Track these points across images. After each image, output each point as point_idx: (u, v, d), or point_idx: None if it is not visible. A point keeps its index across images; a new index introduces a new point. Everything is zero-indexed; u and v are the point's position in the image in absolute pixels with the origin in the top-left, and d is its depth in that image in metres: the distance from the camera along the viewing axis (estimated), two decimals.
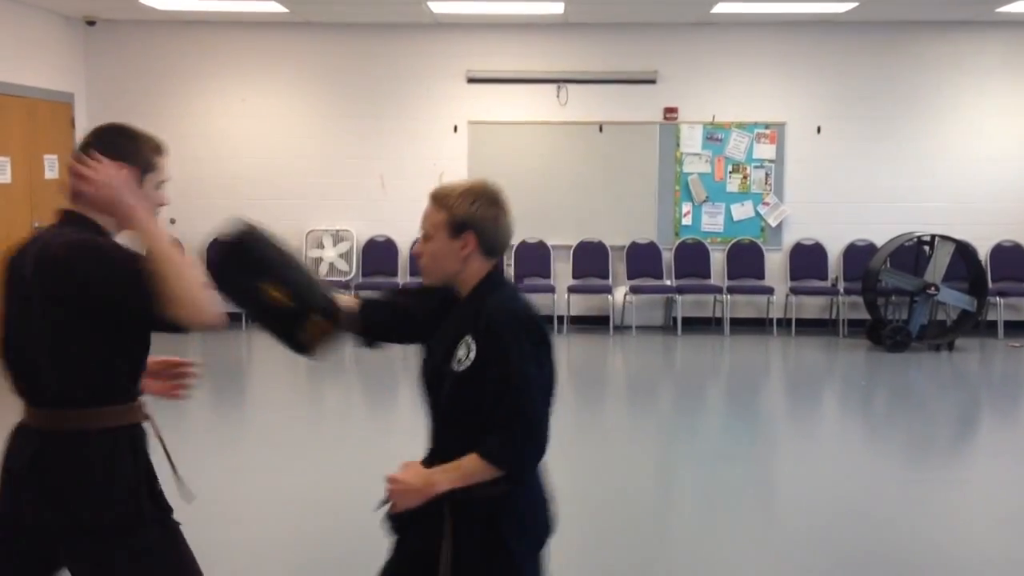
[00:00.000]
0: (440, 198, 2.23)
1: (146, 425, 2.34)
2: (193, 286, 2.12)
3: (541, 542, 2.29)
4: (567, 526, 4.51)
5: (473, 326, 2.17)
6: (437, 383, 2.23)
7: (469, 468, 2.12)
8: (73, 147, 9.51)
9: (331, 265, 9.67)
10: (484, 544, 2.18)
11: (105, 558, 2.20)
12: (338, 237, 9.70)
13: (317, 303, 2.32)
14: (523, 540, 2.22)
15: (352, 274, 9.66)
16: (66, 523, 2.16)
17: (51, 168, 9.07)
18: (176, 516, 2.34)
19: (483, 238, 2.21)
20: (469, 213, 2.20)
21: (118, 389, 2.24)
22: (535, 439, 2.14)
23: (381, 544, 2.35)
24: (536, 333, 2.18)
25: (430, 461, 2.24)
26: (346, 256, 9.66)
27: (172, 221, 9.74)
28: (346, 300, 2.44)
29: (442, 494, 2.15)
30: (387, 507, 2.23)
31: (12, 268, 2.23)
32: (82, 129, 9.59)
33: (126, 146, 2.26)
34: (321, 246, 9.69)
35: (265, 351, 9.04)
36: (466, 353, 2.16)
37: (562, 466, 5.51)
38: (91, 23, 9.55)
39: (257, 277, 2.29)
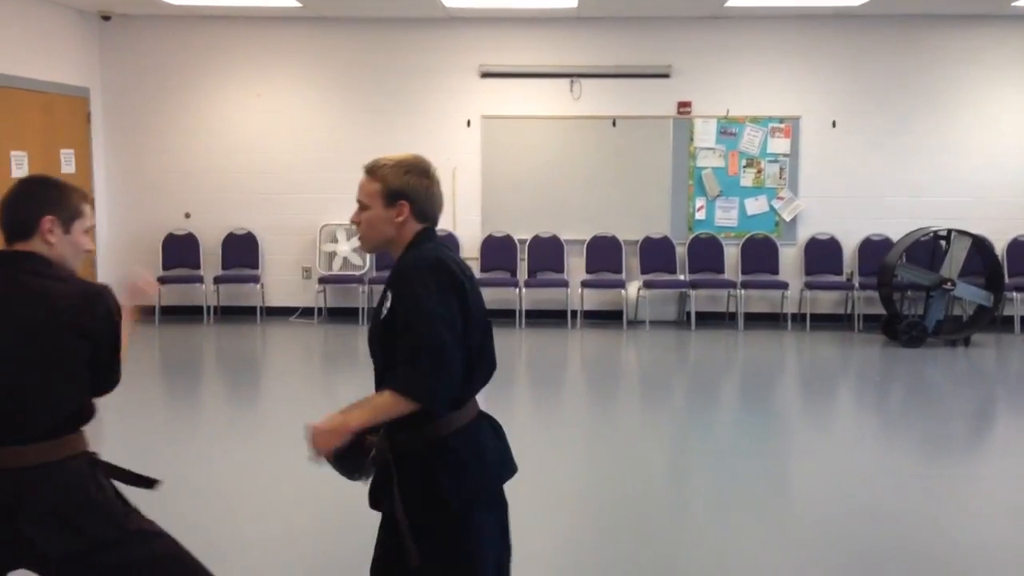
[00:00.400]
0: (374, 170, 2.38)
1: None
2: None
3: (484, 492, 2.33)
4: (579, 520, 4.52)
5: (392, 278, 2.33)
6: (373, 336, 2.37)
7: (380, 402, 2.21)
8: (89, 142, 9.49)
9: (345, 259, 9.68)
10: (423, 493, 2.25)
11: (114, 564, 2.32)
12: (352, 231, 9.70)
13: None
14: (461, 489, 2.26)
15: (366, 268, 9.68)
16: (81, 545, 2.27)
17: (68, 163, 9.12)
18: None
19: (416, 206, 2.35)
20: (403, 183, 2.34)
21: (88, 415, 2.41)
22: (441, 368, 2.19)
23: None
24: (441, 274, 2.27)
25: None
26: (359, 250, 9.68)
27: (187, 215, 9.79)
28: None
29: (389, 446, 2.28)
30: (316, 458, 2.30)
31: None
32: (98, 123, 9.64)
33: (54, 196, 2.41)
34: (335, 240, 9.71)
35: (279, 344, 9.08)
36: (387, 304, 2.30)
37: (576, 461, 5.54)
38: (106, 18, 9.59)
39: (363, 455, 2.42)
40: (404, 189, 2.34)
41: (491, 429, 2.41)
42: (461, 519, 2.26)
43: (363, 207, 2.38)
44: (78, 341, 2.30)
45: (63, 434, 2.31)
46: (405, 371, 2.20)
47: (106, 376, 2.43)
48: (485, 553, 2.31)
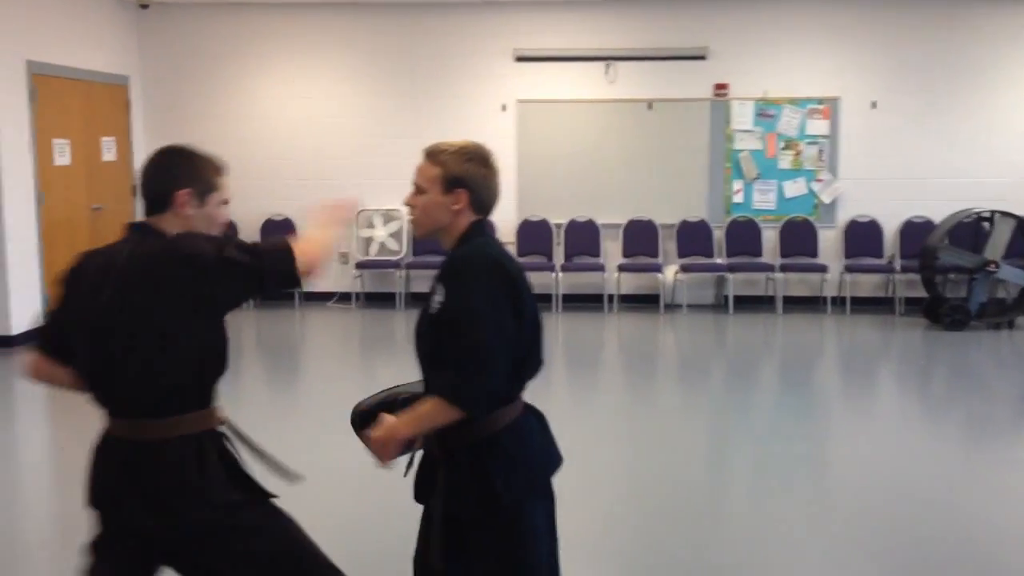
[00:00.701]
0: (435, 154, 2.33)
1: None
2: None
3: (534, 484, 2.31)
4: (620, 504, 4.52)
5: (444, 272, 2.28)
6: (421, 330, 2.33)
7: (425, 410, 2.20)
8: (129, 129, 9.60)
9: (382, 245, 9.72)
10: (473, 489, 2.23)
11: (211, 551, 2.29)
12: (388, 216, 9.75)
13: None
14: (511, 482, 2.24)
15: (403, 253, 9.71)
16: (170, 525, 2.24)
17: (108, 150, 9.24)
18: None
19: (474, 195, 2.31)
20: (463, 170, 2.30)
21: (201, 399, 2.34)
22: (485, 374, 2.16)
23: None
24: (495, 275, 2.22)
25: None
26: (396, 236, 9.71)
27: (226, 201, 9.86)
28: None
29: (438, 444, 2.27)
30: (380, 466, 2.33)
31: (100, 281, 2.27)
32: (138, 111, 9.74)
33: (186, 168, 2.40)
34: (371, 225, 9.75)
35: (317, 329, 9.15)
36: (437, 298, 2.25)
37: (613, 445, 5.53)
38: (144, 6, 9.68)
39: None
40: (464, 177, 2.29)
41: (537, 422, 2.40)
42: (513, 514, 2.25)
43: (420, 191, 2.34)
44: (189, 309, 2.22)
45: (174, 413, 2.27)
46: (451, 377, 2.18)
47: (272, 282, 2.31)
48: (538, 546, 2.30)
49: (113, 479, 2.27)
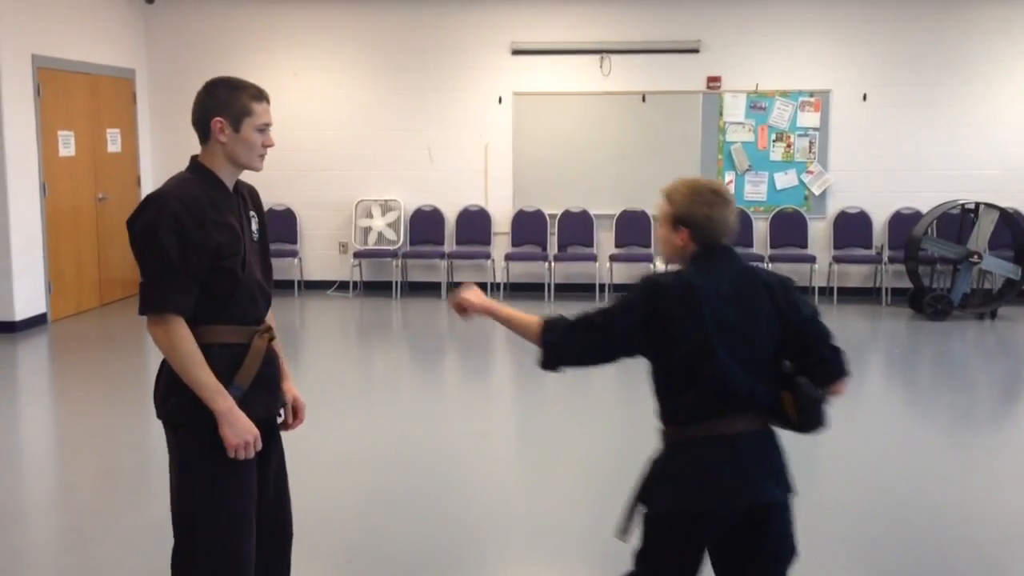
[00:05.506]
0: (669, 193, 2.57)
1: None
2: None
3: (681, 506, 2.52)
4: (598, 485, 4.67)
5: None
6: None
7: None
8: (135, 122, 9.76)
9: (380, 234, 9.92)
10: (649, 482, 2.57)
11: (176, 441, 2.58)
12: (386, 207, 9.94)
13: None
14: (659, 495, 2.52)
15: (400, 243, 9.90)
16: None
17: (114, 142, 9.44)
18: None
19: (695, 232, 2.50)
20: (687, 212, 2.50)
21: (213, 312, 2.55)
22: None
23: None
24: (651, 295, 2.54)
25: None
26: (394, 225, 9.91)
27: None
28: None
29: None
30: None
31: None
32: (143, 104, 9.93)
33: (222, 97, 2.54)
34: (370, 216, 9.95)
35: (316, 317, 9.34)
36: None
37: (595, 430, 5.69)
38: (150, 1, 9.85)
39: None
40: (686, 218, 2.50)
41: (725, 454, 2.47)
42: (652, 524, 2.53)
43: (659, 223, 2.63)
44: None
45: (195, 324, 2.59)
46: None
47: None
48: (661, 559, 2.54)
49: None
